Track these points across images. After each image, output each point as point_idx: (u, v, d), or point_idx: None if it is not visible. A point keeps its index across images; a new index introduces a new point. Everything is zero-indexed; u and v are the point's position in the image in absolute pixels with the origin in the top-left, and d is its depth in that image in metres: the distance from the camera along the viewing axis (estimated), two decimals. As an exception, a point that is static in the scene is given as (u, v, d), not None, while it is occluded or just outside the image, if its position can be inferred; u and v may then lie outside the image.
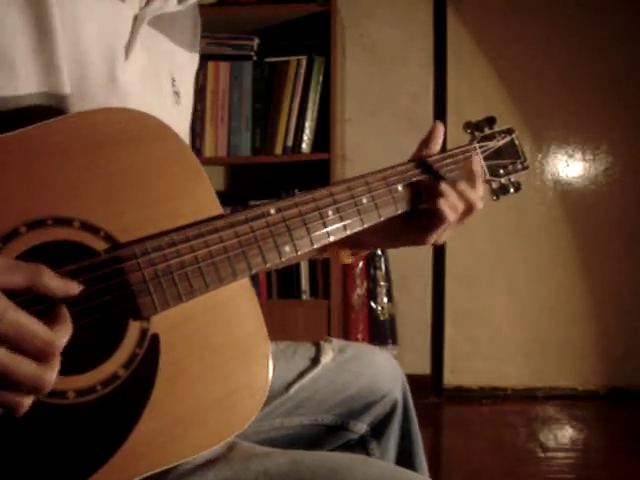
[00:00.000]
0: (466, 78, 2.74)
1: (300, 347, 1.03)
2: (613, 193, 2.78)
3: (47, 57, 0.63)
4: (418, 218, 0.88)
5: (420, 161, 0.89)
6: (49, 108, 0.63)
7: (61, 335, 0.52)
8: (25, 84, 0.62)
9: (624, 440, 2.40)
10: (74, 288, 0.56)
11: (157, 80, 0.77)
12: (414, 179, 0.87)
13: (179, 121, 0.64)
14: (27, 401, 0.51)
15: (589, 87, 2.72)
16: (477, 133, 0.98)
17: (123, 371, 0.59)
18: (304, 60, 2.32)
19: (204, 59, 2.35)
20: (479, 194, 0.89)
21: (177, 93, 0.80)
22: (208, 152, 2.33)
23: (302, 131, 2.31)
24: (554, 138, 2.78)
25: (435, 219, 0.86)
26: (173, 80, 0.80)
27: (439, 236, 0.89)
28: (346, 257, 0.95)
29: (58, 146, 0.59)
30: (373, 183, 0.82)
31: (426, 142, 0.94)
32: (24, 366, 0.50)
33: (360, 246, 0.96)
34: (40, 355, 0.51)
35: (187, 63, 0.86)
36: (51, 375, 0.51)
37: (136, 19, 0.72)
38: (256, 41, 2.37)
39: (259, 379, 0.69)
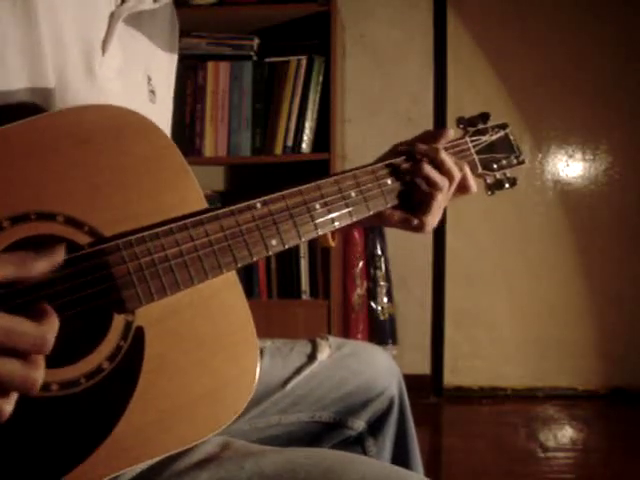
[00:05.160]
0: (466, 78, 2.74)
1: (297, 344, 1.03)
2: (613, 193, 2.78)
3: (34, 51, 0.64)
4: (412, 207, 0.88)
5: (411, 154, 0.89)
6: (35, 102, 0.64)
7: (50, 330, 0.51)
8: (15, 77, 0.63)
9: (624, 440, 2.39)
10: (58, 255, 0.55)
11: (133, 78, 0.77)
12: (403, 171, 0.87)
13: (155, 120, 0.65)
14: (10, 406, 0.50)
15: (589, 87, 2.72)
16: (470, 128, 0.97)
17: (107, 364, 0.60)
18: (304, 60, 2.32)
19: (204, 59, 2.36)
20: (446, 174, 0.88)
21: (153, 92, 0.80)
22: (208, 152, 2.33)
23: (302, 131, 2.31)
24: (554, 138, 2.77)
25: (424, 201, 0.87)
26: (149, 79, 0.80)
27: (430, 221, 0.89)
28: (331, 240, 0.95)
29: (43, 142, 0.59)
30: (361, 177, 0.83)
31: (434, 137, 0.92)
32: (11, 368, 0.49)
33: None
34: (31, 354, 0.50)
35: (165, 64, 0.86)
36: (39, 373, 0.51)
37: (112, 16, 0.73)
38: (256, 41, 2.36)
39: (246, 373, 0.69)
